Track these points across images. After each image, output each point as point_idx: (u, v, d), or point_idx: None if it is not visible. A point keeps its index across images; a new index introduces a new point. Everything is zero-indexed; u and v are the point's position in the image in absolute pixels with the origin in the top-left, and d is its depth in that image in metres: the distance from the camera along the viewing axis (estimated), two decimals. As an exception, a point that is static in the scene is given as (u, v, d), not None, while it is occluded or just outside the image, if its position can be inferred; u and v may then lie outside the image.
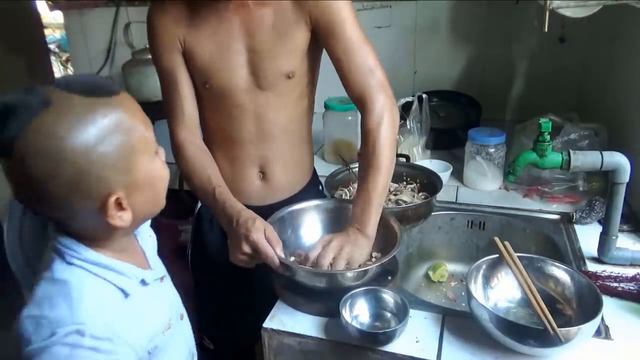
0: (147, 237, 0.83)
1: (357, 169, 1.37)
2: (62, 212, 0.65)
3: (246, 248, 0.97)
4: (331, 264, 0.96)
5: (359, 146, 1.62)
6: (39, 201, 0.63)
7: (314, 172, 1.34)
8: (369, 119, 1.05)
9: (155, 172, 0.70)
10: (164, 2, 1.07)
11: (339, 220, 1.11)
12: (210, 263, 1.27)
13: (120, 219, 0.66)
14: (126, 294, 0.69)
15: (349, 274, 0.95)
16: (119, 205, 0.66)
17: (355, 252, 0.98)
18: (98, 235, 0.69)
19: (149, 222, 0.84)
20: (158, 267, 0.81)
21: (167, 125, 1.15)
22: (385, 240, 1.06)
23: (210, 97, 1.12)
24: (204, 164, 1.11)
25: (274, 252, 0.96)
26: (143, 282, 0.73)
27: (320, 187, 1.36)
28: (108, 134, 0.63)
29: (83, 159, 0.61)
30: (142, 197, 0.69)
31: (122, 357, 0.66)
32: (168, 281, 0.82)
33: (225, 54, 1.07)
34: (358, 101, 1.08)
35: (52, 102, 0.61)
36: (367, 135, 1.05)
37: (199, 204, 1.29)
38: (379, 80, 1.06)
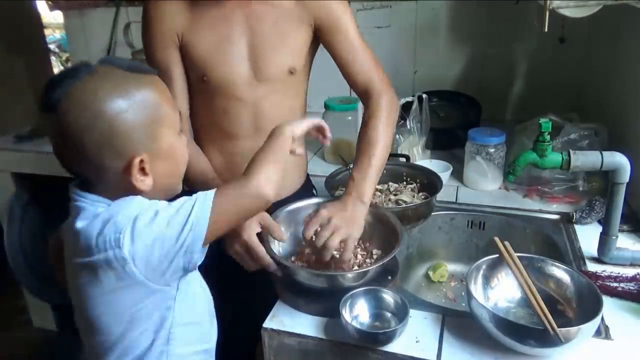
0: None
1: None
2: (92, 168, 0.73)
3: (238, 248, 0.99)
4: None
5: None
6: (74, 154, 0.72)
7: (307, 176, 1.35)
8: (376, 104, 1.11)
9: (177, 147, 0.79)
10: None
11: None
12: (204, 265, 1.26)
13: (143, 182, 0.74)
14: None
15: (349, 275, 0.95)
16: (142, 170, 0.74)
17: (353, 229, 1.00)
18: (117, 197, 0.75)
19: None
20: None
21: None
22: (386, 239, 1.06)
23: (208, 91, 1.12)
24: (197, 159, 1.12)
25: (270, 248, 0.97)
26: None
27: (314, 191, 1.36)
28: (140, 103, 0.73)
29: (116, 118, 0.71)
30: (163, 167, 0.77)
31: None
32: None
33: (225, 46, 1.08)
34: (365, 92, 1.13)
35: (97, 71, 0.72)
36: (369, 118, 1.10)
37: None
38: (381, 77, 1.13)
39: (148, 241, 0.71)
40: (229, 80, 1.10)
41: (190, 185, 1.11)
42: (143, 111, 0.73)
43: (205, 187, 1.05)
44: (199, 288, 0.88)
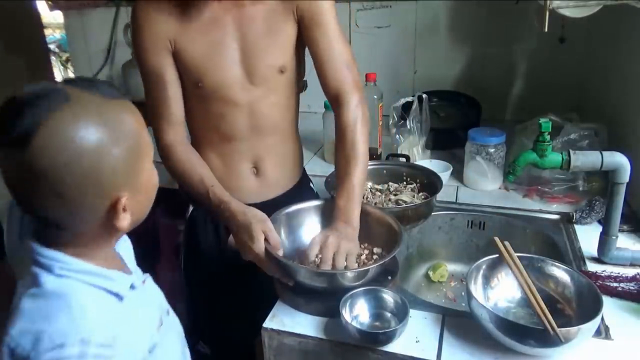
0: (122, 242, 0.80)
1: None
2: (68, 211, 0.63)
3: (251, 258, 0.99)
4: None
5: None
6: (47, 196, 0.61)
7: (304, 171, 1.35)
8: (345, 114, 1.09)
9: (153, 177, 0.72)
10: (151, 1, 1.06)
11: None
12: (205, 266, 1.27)
13: (124, 221, 0.66)
14: (120, 298, 0.69)
15: (350, 274, 0.95)
16: (124, 208, 0.66)
17: (351, 246, 1.00)
18: (89, 240, 0.68)
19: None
20: (137, 271, 0.80)
21: (152, 127, 1.13)
22: (386, 240, 1.06)
23: (203, 96, 1.12)
24: (195, 165, 1.11)
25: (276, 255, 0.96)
26: (132, 287, 0.73)
27: (311, 185, 1.37)
28: (121, 133, 0.64)
29: (101, 154, 0.62)
30: (140, 201, 0.69)
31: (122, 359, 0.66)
32: (150, 281, 0.82)
33: (218, 51, 1.08)
34: (334, 97, 1.12)
35: (72, 99, 0.61)
36: (344, 130, 1.09)
37: (191, 208, 1.28)
38: (355, 78, 1.12)
39: None
40: (223, 85, 1.10)
41: (190, 193, 1.11)
42: (126, 143, 0.65)
43: (205, 195, 1.06)
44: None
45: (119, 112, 0.65)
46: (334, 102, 1.13)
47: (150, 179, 0.71)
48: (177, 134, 1.13)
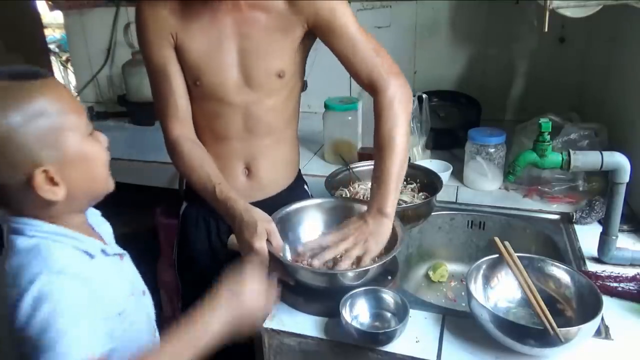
0: (101, 224, 0.86)
1: (357, 169, 1.38)
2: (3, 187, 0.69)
3: (252, 256, 0.98)
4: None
5: (359, 146, 1.64)
6: None
7: (299, 172, 1.35)
8: (382, 98, 1.06)
9: (88, 150, 0.74)
10: None
11: (341, 219, 1.11)
12: (198, 264, 1.26)
13: (53, 193, 0.70)
14: (91, 256, 0.75)
15: (350, 274, 0.95)
16: (51, 179, 0.70)
17: (373, 244, 1.00)
18: (39, 211, 0.73)
19: (98, 213, 0.87)
20: (115, 246, 0.85)
21: (160, 123, 1.14)
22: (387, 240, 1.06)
23: (200, 94, 1.12)
24: (202, 161, 1.10)
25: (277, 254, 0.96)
26: (104, 252, 0.78)
27: (306, 187, 1.37)
28: (32, 113, 0.68)
29: (7, 134, 0.66)
30: (78, 173, 0.73)
31: (99, 307, 0.70)
32: (128, 260, 0.86)
33: (216, 52, 1.08)
34: (369, 87, 1.09)
35: None
36: (381, 114, 1.05)
37: (184, 206, 1.28)
38: (388, 62, 1.08)
39: None
40: (220, 86, 1.10)
41: (195, 188, 1.10)
42: (37, 121, 0.68)
43: (211, 192, 1.05)
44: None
45: (31, 93, 0.69)
46: (372, 91, 1.09)
47: (81, 150, 0.73)
48: (184, 128, 1.13)
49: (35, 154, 0.68)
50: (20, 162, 0.68)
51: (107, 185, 0.80)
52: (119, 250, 0.85)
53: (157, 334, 0.90)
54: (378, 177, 1.04)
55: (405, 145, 1.04)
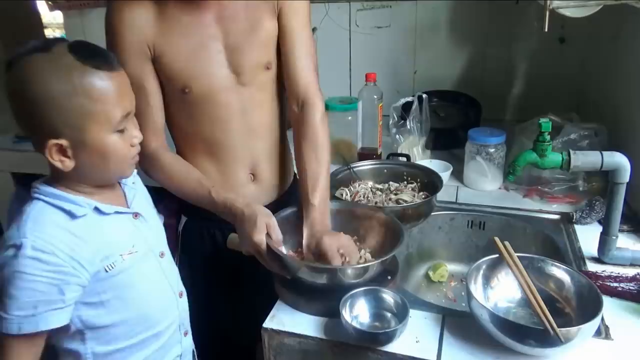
0: (130, 184, 0.93)
1: (357, 169, 1.38)
2: (28, 131, 0.79)
3: (250, 249, 0.99)
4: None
5: (359, 146, 1.64)
6: (14, 112, 0.78)
7: (294, 175, 1.33)
8: (315, 115, 1.12)
9: (109, 144, 0.81)
10: (127, 3, 1.01)
11: (341, 221, 1.12)
12: (201, 279, 1.24)
13: (62, 163, 0.79)
14: (73, 216, 0.80)
15: (350, 270, 0.96)
16: (63, 151, 0.78)
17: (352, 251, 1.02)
18: (62, 173, 0.81)
19: (134, 176, 0.95)
20: (138, 206, 0.92)
21: None
22: (387, 239, 1.06)
23: (191, 102, 1.08)
24: (187, 169, 1.09)
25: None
26: (98, 210, 0.84)
27: None
28: (73, 93, 0.75)
29: (43, 98, 0.75)
30: (89, 158, 0.80)
31: (68, 269, 0.77)
32: (145, 220, 0.92)
33: (203, 54, 1.05)
34: (302, 97, 1.13)
35: (50, 51, 0.76)
36: (315, 131, 1.12)
37: (183, 220, 1.25)
38: (318, 82, 1.15)
39: None
40: (212, 88, 1.07)
41: (186, 198, 1.09)
42: (74, 101, 0.76)
43: (206, 196, 1.04)
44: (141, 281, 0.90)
45: (85, 77, 0.76)
46: (302, 102, 1.13)
47: (102, 142, 0.80)
48: (159, 140, 1.10)
49: (57, 127, 0.76)
50: (41, 125, 0.76)
51: (122, 174, 0.89)
52: (138, 210, 0.91)
53: (183, 296, 1.00)
54: (321, 192, 1.07)
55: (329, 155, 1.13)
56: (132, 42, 1.02)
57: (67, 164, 0.79)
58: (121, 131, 0.82)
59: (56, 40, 0.79)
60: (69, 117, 0.76)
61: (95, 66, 0.77)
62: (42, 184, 0.83)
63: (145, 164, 1.08)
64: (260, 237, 0.96)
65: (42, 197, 0.81)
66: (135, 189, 0.94)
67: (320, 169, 1.08)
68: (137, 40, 1.02)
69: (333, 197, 1.24)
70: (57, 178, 0.83)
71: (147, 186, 0.99)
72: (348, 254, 1.00)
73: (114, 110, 0.79)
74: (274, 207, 1.12)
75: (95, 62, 0.77)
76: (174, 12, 1.03)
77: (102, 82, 0.78)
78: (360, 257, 1.05)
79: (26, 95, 0.75)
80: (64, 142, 0.77)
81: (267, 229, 0.98)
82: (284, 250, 1.03)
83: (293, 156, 1.20)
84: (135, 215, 0.90)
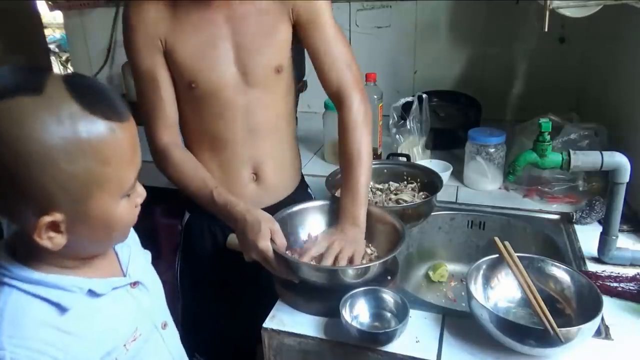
0: (128, 241, 0.77)
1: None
2: (4, 206, 0.60)
3: (255, 256, 0.98)
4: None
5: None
6: None
7: (302, 176, 1.34)
8: (348, 115, 1.10)
9: (115, 212, 0.64)
10: (142, 1, 1.05)
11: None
12: (202, 276, 1.25)
13: (50, 240, 0.60)
14: (63, 309, 0.63)
15: (350, 270, 0.96)
16: (55, 227, 0.60)
17: (356, 250, 1.00)
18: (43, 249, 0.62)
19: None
20: (135, 271, 0.75)
21: (146, 129, 1.11)
22: (388, 239, 1.06)
23: (197, 97, 1.10)
24: (195, 167, 1.09)
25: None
26: (92, 293, 0.67)
27: (309, 190, 1.36)
28: (78, 154, 0.57)
29: (39, 160, 0.56)
30: (90, 231, 0.63)
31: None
32: (144, 288, 0.76)
33: (211, 51, 1.07)
34: (336, 97, 1.13)
35: (44, 93, 0.56)
36: (348, 130, 1.10)
37: (187, 216, 1.26)
38: (356, 77, 1.12)
39: None
40: (217, 85, 1.08)
41: (191, 195, 1.09)
42: (78, 164, 0.57)
43: (209, 196, 1.04)
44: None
45: (92, 130, 0.58)
46: (337, 103, 1.13)
47: (105, 212, 0.63)
48: (172, 135, 1.11)
49: (55, 198, 0.58)
50: (34, 196, 0.57)
51: (122, 240, 0.72)
52: (135, 277, 0.74)
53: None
54: (349, 190, 1.06)
55: (370, 155, 1.10)
56: (146, 36, 1.05)
57: (58, 242, 0.60)
58: (128, 194, 0.66)
59: (44, 73, 0.58)
60: (69, 184, 0.58)
61: (105, 117, 0.59)
62: (11, 262, 0.62)
63: (157, 157, 1.11)
64: (266, 244, 0.96)
65: (15, 283, 0.61)
66: (129, 245, 0.77)
67: (353, 169, 1.07)
68: (150, 33, 1.05)
69: (333, 197, 1.24)
70: (33, 253, 0.63)
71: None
72: (347, 254, 0.99)
73: (127, 172, 0.63)
74: (278, 208, 1.12)
75: (104, 110, 0.59)
76: (185, 10, 1.05)
77: (115, 137, 0.60)
78: (366, 254, 1.05)
79: (7, 154, 0.54)
80: (58, 216, 0.59)
81: (271, 235, 0.98)
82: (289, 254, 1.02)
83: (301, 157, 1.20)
84: (134, 284, 0.74)
